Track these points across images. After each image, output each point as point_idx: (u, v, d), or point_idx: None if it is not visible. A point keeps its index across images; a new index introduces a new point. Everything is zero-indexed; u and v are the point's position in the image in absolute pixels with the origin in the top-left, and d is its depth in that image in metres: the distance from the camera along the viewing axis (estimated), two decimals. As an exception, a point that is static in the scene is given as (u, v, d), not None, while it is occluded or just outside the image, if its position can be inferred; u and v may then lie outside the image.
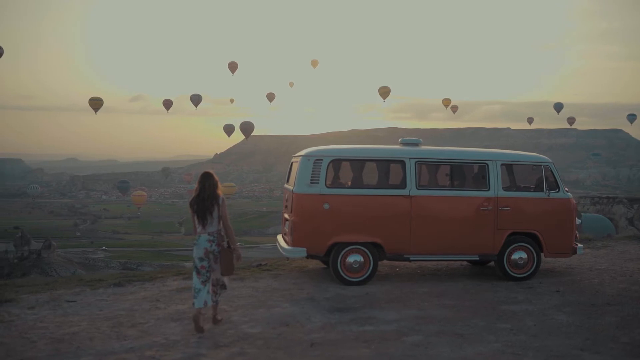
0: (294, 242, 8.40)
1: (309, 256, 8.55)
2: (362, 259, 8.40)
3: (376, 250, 8.45)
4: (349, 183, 8.74)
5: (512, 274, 8.75)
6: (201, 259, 6.25)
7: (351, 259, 8.37)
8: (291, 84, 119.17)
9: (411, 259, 8.63)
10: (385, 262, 9.16)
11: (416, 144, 9.06)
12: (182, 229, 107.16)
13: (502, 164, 8.83)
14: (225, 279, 6.46)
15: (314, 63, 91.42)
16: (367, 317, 6.77)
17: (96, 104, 73.93)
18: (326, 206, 8.30)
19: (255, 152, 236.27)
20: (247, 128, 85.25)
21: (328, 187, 8.38)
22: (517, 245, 8.76)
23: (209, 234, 6.29)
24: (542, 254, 8.87)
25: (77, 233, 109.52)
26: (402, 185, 8.53)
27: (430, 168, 8.93)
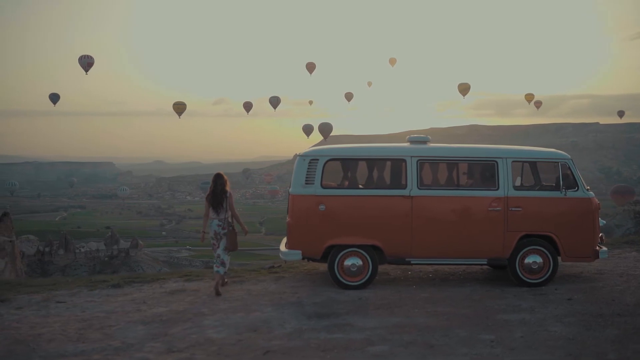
0: (289, 245, 8.20)
1: (307, 259, 8.33)
2: (360, 262, 8.06)
3: (375, 253, 8.10)
4: (347, 183, 8.43)
5: (525, 279, 8.13)
6: (212, 238, 8.05)
7: (349, 262, 8.06)
8: (369, 84, 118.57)
9: (412, 262, 8.21)
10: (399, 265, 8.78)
11: (424, 142, 8.62)
12: (263, 229, 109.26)
13: (513, 162, 8.24)
14: (226, 260, 8.06)
15: (392, 61, 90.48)
16: (344, 323, 6.46)
17: (180, 108, 76.43)
18: (322, 207, 8.04)
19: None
20: (325, 129, 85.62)
21: (324, 188, 8.11)
22: (530, 249, 8.13)
23: (219, 220, 8.02)
24: (559, 258, 8.20)
25: (163, 233, 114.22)
26: (403, 185, 8.12)
27: (433, 167, 8.46)
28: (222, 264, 8.03)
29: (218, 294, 7.76)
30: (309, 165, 8.15)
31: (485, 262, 8.26)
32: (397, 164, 8.23)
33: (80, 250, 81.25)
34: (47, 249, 76.28)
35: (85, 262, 77.79)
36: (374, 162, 8.44)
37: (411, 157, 8.15)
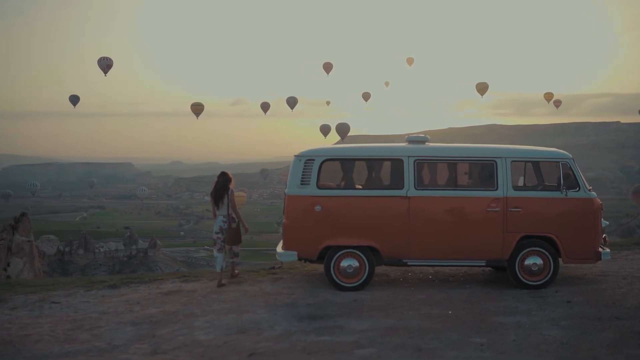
0: (285, 246, 8.16)
1: (303, 260, 8.27)
2: (357, 264, 7.98)
3: (372, 254, 8.01)
4: (343, 184, 8.34)
5: (525, 281, 7.97)
6: (216, 233, 8.59)
7: (345, 263, 7.98)
8: (387, 84, 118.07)
9: (410, 263, 8.10)
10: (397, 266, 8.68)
11: (422, 142, 8.51)
12: (280, 229, 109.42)
13: (512, 161, 8.09)
14: (236, 250, 8.77)
15: (410, 61, 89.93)
16: (335, 326, 6.38)
17: (197, 109, 76.60)
18: (318, 208, 7.97)
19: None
20: (342, 129, 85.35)
21: (320, 188, 8.05)
22: (530, 250, 7.97)
23: (222, 216, 8.56)
24: (560, 260, 8.04)
25: (181, 233, 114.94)
26: (400, 185, 8.02)
27: (431, 167, 8.34)
28: (236, 255, 8.77)
29: (220, 285, 8.34)
30: (304, 166, 8.10)
31: (484, 264, 8.13)
32: (395, 164, 8.13)
33: (99, 250, 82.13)
34: (67, 249, 77.29)
35: (104, 262, 78.68)
36: (371, 162, 8.35)
37: (408, 157, 8.05)
